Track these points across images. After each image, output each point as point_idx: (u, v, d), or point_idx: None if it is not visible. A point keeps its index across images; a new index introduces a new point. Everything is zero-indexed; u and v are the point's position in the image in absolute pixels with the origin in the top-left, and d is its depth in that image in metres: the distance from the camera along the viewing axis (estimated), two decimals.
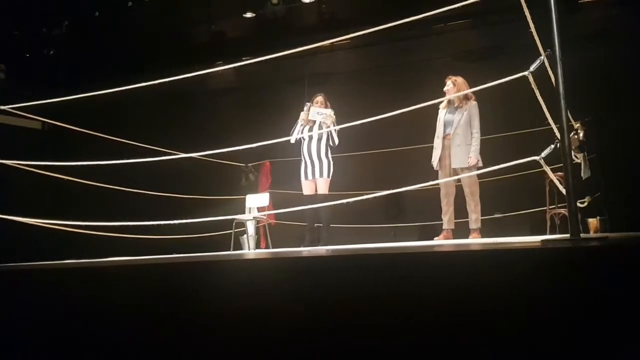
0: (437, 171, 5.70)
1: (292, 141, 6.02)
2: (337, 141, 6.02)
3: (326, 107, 6.13)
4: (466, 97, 5.57)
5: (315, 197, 5.97)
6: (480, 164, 5.46)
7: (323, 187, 6.02)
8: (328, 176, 6.01)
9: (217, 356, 2.22)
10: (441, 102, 5.60)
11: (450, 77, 5.69)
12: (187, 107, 9.53)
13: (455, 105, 5.60)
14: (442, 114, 5.69)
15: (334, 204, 5.18)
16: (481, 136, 5.55)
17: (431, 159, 5.75)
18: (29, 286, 2.76)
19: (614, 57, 7.00)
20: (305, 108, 6.11)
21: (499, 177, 5.90)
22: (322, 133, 5.97)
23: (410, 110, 3.92)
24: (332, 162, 6.05)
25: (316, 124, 6.05)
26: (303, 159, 6.07)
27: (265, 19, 8.91)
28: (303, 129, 6.08)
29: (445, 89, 5.64)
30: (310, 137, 5.99)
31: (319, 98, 6.17)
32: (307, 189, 6.06)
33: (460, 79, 5.66)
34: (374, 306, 1.98)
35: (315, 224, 6.05)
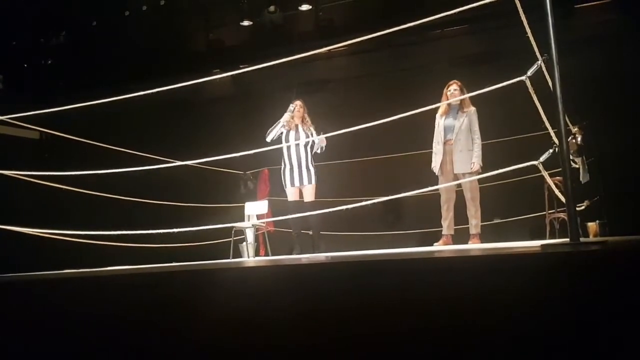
0: (436, 177, 5.69)
1: (269, 140, 5.99)
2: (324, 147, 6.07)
3: (305, 111, 6.14)
4: (468, 103, 5.59)
5: (303, 204, 5.95)
6: (480, 170, 5.47)
7: (312, 194, 6.01)
8: (315, 182, 6.03)
9: None
10: (438, 107, 5.61)
11: (455, 81, 5.69)
12: (185, 115, 9.53)
13: (463, 110, 5.59)
14: (442, 120, 5.67)
15: (332, 211, 5.18)
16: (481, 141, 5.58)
17: (431, 165, 5.75)
18: (28, 297, 2.75)
19: (610, 61, 7.01)
20: (289, 113, 6.07)
21: (498, 182, 5.90)
22: (308, 141, 5.98)
23: (408, 116, 3.93)
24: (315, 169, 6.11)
25: (300, 130, 6.04)
26: (288, 165, 6.02)
27: (263, 27, 8.93)
28: (286, 134, 6.05)
29: (450, 93, 5.61)
30: (297, 144, 5.97)
31: (300, 102, 6.17)
32: (294, 195, 6.04)
33: (461, 84, 5.68)
34: (375, 312, 1.98)
35: (302, 231, 6.03)
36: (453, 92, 5.59)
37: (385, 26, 3.98)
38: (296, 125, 6.11)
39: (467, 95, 5.40)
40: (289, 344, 2.09)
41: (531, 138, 6.01)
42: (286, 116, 6.06)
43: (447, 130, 5.62)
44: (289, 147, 5.98)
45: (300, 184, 5.99)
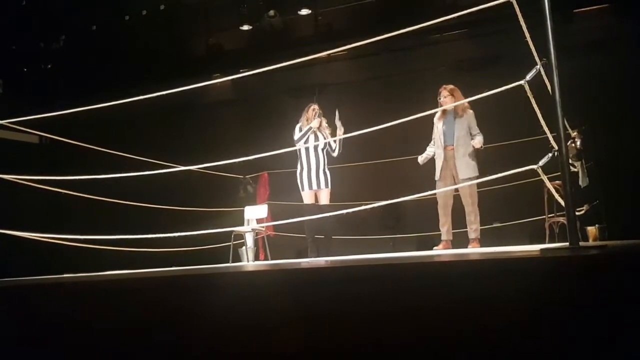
0: (434, 181, 5.67)
1: (298, 145, 6.01)
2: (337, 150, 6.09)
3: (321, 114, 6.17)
4: (464, 107, 5.56)
5: (318, 208, 5.95)
6: (477, 173, 5.46)
7: (327, 198, 6.05)
8: (330, 187, 6.07)
9: None
10: (437, 112, 5.60)
11: (445, 87, 5.66)
12: (185, 120, 9.55)
13: (458, 115, 5.56)
14: (440, 125, 5.66)
15: (334, 215, 5.19)
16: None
17: (418, 162, 5.79)
18: (27, 301, 2.74)
19: (609, 65, 7.03)
20: (316, 120, 6.04)
21: (498, 186, 5.90)
22: (325, 143, 6.01)
23: (406, 121, 3.93)
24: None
25: (318, 133, 6.06)
26: (305, 167, 6.01)
27: (262, 32, 8.95)
28: (307, 138, 6.05)
29: (441, 100, 5.60)
30: (316, 147, 6.00)
31: (317, 106, 6.19)
32: (310, 198, 6.04)
33: (456, 89, 5.63)
34: (375, 317, 1.98)
35: (316, 235, 6.03)
36: (444, 98, 5.58)
37: (384, 30, 3.99)
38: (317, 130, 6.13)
39: (464, 101, 5.38)
40: (288, 349, 2.08)
41: (530, 142, 6.02)
42: (315, 122, 6.04)
43: (447, 135, 5.59)
44: (307, 150, 5.99)
45: (318, 187, 6.00)
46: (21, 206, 7.28)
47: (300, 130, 6.07)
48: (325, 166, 6.04)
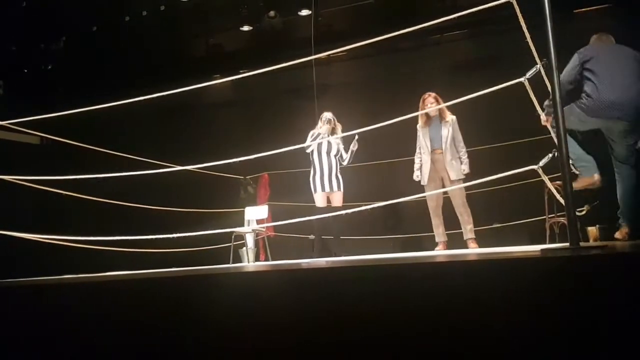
0: (423, 185, 5.81)
1: (309, 151, 6.19)
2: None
3: (335, 121, 6.28)
4: (449, 112, 5.76)
5: (330, 210, 6.03)
6: (463, 175, 5.70)
7: (340, 200, 6.19)
8: (342, 189, 6.22)
9: None
10: (430, 111, 5.72)
11: (429, 94, 5.82)
12: (185, 121, 9.54)
13: (444, 119, 5.76)
14: (425, 130, 5.82)
15: (335, 215, 5.26)
16: (480, 146, 5.74)
17: (414, 174, 5.89)
18: (27, 301, 2.74)
19: None
20: (328, 125, 6.17)
21: (498, 187, 5.91)
22: (337, 150, 6.19)
23: (405, 121, 3.94)
24: None
25: (333, 142, 6.16)
26: (319, 171, 6.13)
27: (262, 32, 8.95)
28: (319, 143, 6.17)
29: (429, 108, 5.71)
30: (328, 152, 6.14)
31: (331, 113, 6.31)
32: (322, 200, 6.14)
33: (438, 96, 5.81)
34: (375, 317, 1.97)
35: (323, 237, 6.14)
36: (430, 105, 5.73)
37: (384, 31, 3.99)
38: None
39: (446, 105, 5.52)
40: (289, 350, 2.08)
41: (531, 142, 6.02)
42: (324, 129, 6.17)
43: (434, 140, 5.78)
44: (320, 154, 6.15)
45: (330, 190, 6.15)
46: (22, 207, 7.27)
47: (312, 136, 6.17)
48: (338, 170, 6.22)
